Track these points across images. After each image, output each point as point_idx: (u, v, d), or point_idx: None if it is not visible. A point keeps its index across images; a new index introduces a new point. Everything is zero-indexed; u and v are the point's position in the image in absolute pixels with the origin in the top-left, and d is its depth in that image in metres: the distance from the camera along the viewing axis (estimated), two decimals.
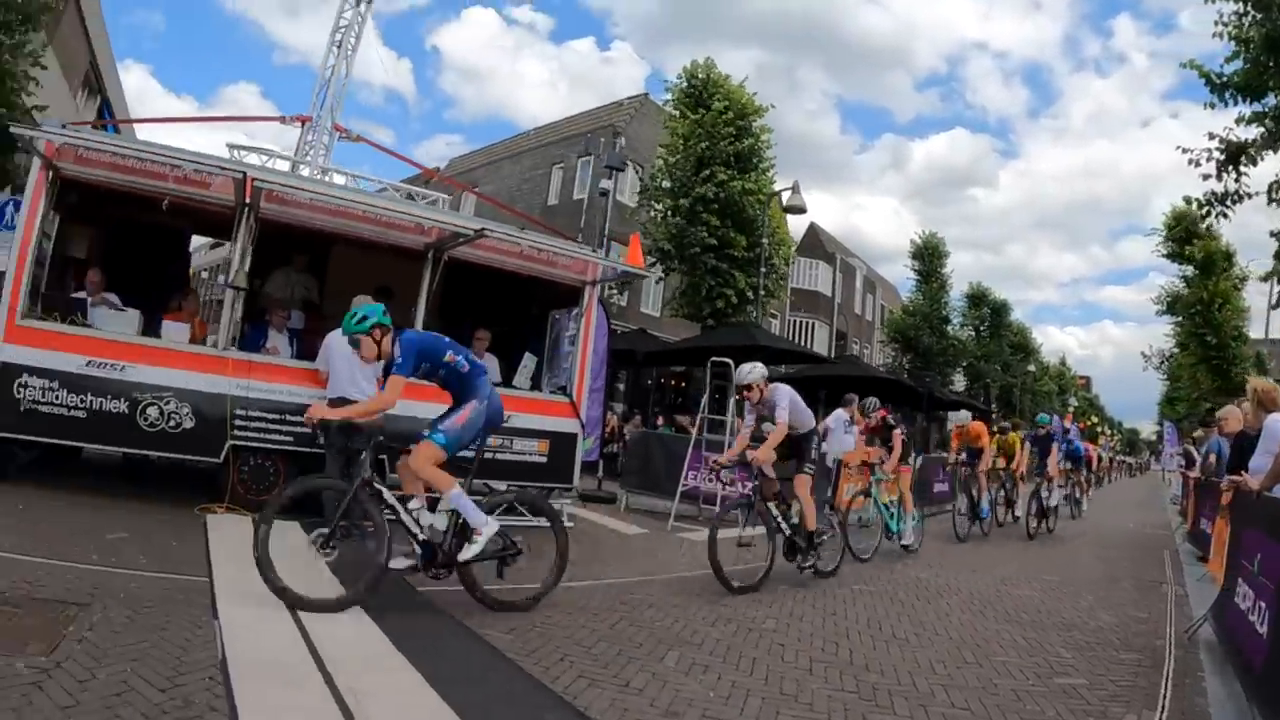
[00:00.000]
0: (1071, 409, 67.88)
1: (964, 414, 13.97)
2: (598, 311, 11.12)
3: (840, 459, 12.24)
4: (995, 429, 14.73)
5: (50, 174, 8.25)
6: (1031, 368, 58.37)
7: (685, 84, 24.97)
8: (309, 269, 10.88)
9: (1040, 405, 54.05)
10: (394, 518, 5.59)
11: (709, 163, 23.12)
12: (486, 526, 5.67)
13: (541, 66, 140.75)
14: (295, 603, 5.04)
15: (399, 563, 5.53)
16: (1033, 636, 6.63)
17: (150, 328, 8.67)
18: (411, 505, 5.69)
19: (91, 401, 7.82)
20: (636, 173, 25.91)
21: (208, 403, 8.16)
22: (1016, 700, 4.97)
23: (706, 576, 7.37)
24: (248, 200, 8.23)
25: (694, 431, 13.23)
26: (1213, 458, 12.71)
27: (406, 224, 9.11)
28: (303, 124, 14.52)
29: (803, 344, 39.84)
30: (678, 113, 24.89)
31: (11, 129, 8.38)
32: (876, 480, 10.29)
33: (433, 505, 5.82)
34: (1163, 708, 5.04)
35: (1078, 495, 18.52)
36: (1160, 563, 12.25)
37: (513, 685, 4.43)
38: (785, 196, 22.02)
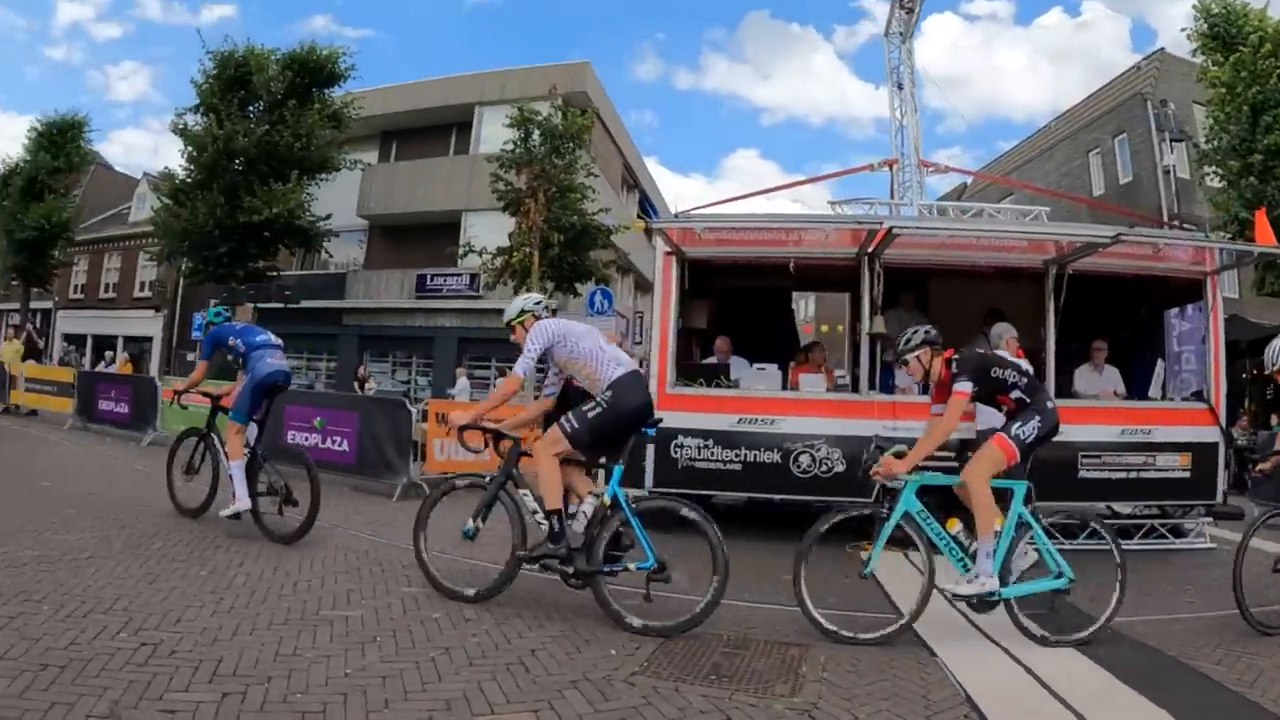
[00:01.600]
0: None
1: None
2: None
3: None
4: None
5: (675, 258, 9.11)
6: None
7: (1205, 25, 21.74)
8: (917, 306, 10.83)
9: None
10: None
11: (1266, 107, 19.84)
12: None
13: (1016, 53, 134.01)
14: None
15: None
16: None
17: (783, 382, 9.19)
18: None
19: (745, 454, 8.49)
20: (1189, 139, 23.16)
21: (857, 446, 8.28)
22: None
23: None
24: (871, 249, 8.48)
25: None
26: None
27: (1020, 244, 8.85)
28: (890, 167, 14.82)
29: None
30: (1209, 62, 21.78)
31: (652, 224, 9.27)
32: None
33: None
34: None
35: None
36: None
37: None
38: None
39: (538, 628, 4.94)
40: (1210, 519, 9.69)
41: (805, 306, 17.44)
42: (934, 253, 9.17)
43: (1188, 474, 8.90)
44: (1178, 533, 9.16)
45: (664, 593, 5.20)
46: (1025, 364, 5.98)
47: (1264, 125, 19.71)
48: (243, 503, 7.07)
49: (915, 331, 5.74)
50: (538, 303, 5.89)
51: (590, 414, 5.24)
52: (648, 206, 32.05)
